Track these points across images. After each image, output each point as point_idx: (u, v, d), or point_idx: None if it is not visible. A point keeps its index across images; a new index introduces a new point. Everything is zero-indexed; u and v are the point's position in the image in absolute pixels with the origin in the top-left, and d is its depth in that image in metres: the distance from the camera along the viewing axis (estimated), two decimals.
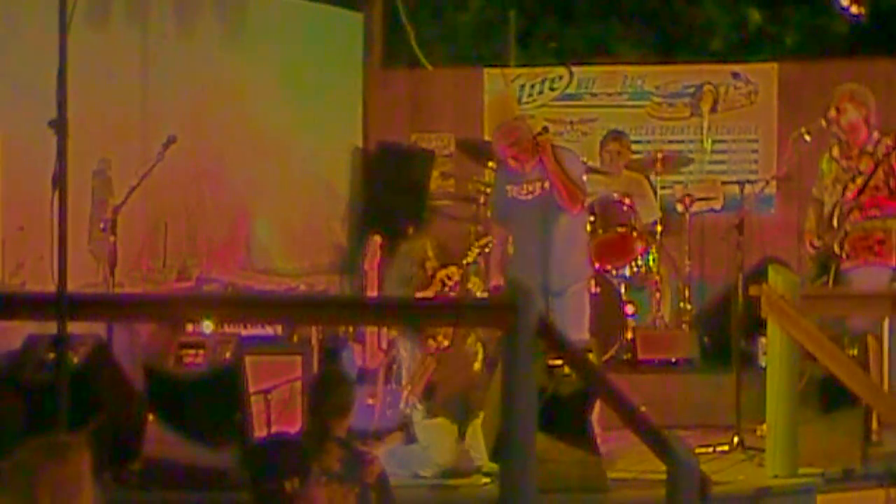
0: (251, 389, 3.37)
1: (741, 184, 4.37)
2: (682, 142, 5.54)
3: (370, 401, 4.04)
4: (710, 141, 5.38)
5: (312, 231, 4.88)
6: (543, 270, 3.86)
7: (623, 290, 4.92)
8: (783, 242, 5.03)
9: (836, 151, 4.17)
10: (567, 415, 3.12)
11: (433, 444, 3.52)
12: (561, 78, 5.79)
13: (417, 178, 4.85)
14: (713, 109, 5.42)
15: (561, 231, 3.82)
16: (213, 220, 4.62)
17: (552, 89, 5.76)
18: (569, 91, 5.76)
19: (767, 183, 4.72)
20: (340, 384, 2.76)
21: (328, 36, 5.48)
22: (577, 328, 3.86)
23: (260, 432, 3.40)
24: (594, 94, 5.76)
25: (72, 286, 1.99)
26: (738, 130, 5.60)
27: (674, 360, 4.91)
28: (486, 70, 5.94)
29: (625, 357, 4.86)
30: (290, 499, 2.43)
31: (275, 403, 3.69)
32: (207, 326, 3.51)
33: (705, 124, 5.40)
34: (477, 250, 3.90)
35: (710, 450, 3.71)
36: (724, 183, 5.23)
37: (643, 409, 3.21)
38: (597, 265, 4.55)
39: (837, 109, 4.10)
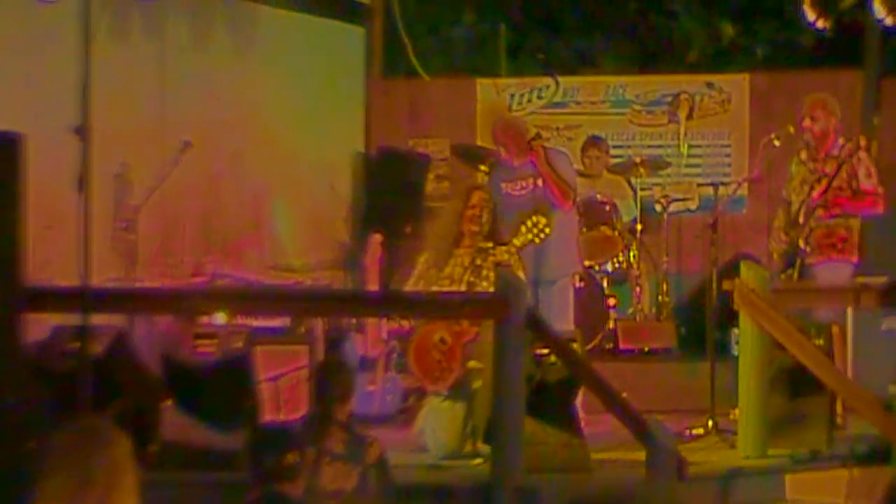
0: (261, 377, 3.37)
1: (715, 185, 4.37)
2: (661, 147, 5.54)
3: (370, 387, 4.05)
4: (686, 146, 5.38)
5: (318, 229, 4.89)
6: (535, 263, 3.88)
7: (605, 284, 4.93)
8: (754, 240, 5.03)
9: (804, 155, 4.20)
10: (553, 400, 3.11)
11: (441, 428, 3.49)
12: (548, 87, 5.79)
13: (415, 181, 4.86)
14: (689, 116, 5.42)
15: (552, 227, 3.84)
16: (226, 219, 4.62)
17: (539, 98, 5.76)
18: (555, 100, 5.76)
19: (739, 185, 4.73)
20: (342, 372, 2.77)
21: (332, 48, 5.48)
22: (563, 320, 3.88)
23: (269, 417, 3.41)
24: (578, 103, 5.76)
25: (95, 281, 1.99)
26: (713, 136, 5.61)
27: (652, 349, 4.92)
28: (478, 80, 5.94)
29: (607, 347, 4.86)
30: (290, 470, 2.39)
31: (282, 390, 3.69)
32: (220, 318, 3.51)
33: (682, 130, 5.39)
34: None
35: (686, 433, 3.72)
36: (699, 185, 5.23)
37: (624, 395, 3.23)
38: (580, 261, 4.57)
39: (812, 118, 4.13)
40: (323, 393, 2.64)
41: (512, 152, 3.98)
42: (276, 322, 3.88)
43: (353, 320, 4.13)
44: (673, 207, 5.14)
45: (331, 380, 2.66)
